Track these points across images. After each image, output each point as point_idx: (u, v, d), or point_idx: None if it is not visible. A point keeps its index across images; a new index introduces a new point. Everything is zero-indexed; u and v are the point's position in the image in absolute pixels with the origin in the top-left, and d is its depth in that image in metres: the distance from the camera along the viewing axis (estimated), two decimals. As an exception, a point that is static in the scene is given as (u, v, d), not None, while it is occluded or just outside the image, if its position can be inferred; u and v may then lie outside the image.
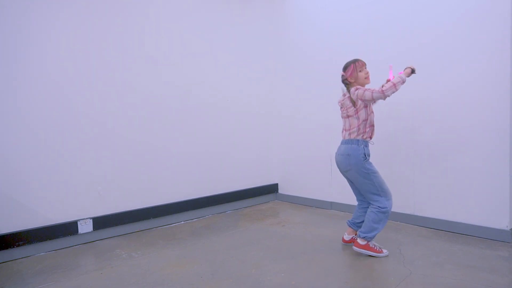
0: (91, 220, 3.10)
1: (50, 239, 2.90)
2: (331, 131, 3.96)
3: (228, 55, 4.14)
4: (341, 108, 2.80)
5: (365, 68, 2.74)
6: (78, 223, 3.03)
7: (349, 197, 3.85)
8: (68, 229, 2.98)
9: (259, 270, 2.45)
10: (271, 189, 4.55)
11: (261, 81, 4.49)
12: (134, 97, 3.40)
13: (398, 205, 3.47)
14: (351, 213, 3.81)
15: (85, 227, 3.07)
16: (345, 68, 2.76)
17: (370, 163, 2.68)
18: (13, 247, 2.74)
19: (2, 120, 2.72)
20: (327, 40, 3.98)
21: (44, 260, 2.73)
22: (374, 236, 2.65)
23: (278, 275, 2.37)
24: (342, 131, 2.80)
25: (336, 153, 2.83)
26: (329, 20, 3.94)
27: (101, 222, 3.15)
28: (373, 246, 2.67)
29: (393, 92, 2.53)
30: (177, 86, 3.70)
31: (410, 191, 3.38)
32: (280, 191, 4.60)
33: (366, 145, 2.70)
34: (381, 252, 2.66)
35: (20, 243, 2.76)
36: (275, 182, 4.63)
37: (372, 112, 2.73)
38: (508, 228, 2.84)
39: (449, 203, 3.13)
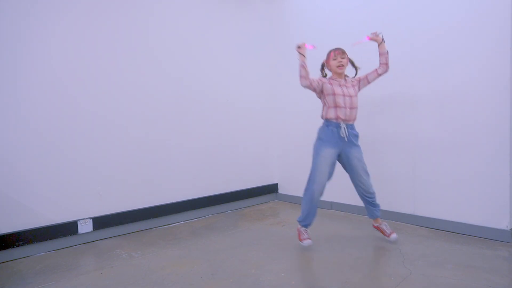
0: (91, 220, 3.10)
1: (50, 239, 2.90)
2: (331, 131, 3.96)
3: (228, 54, 4.14)
4: None
5: (340, 56, 2.84)
6: (78, 223, 3.03)
7: (349, 197, 3.85)
8: (68, 229, 2.98)
9: (259, 270, 2.45)
10: (271, 189, 4.55)
11: (261, 81, 4.49)
12: (133, 98, 3.39)
13: (398, 205, 3.47)
14: (351, 213, 3.81)
15: (85, 227, 3.07)
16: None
17: (322, 144, 2.81)
18: (13, 247, 2.74)
19: (2, 119, 2.72)
20: (326, 40, 3.96)
21: (44, 260, 2.73)
22: (302, 220, 2.85)
23: (278, 275, 2.37)
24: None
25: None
26: (329, 20, 3.94)
27: (101, 222, 3.15)
28: (300, 232, 2.85)
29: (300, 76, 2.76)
30: (177, 86, 3.70)
31: (410, 191, 3.38)
32: (280, 191, 4.60)
33: (328, 125, 2.83)
34: (302, 240, 2.80)
35: (20, 243, 2.76)
36: (275, 182, 4.63)
37: (333, 94, 2.82)
38: (508, 228, 2.84)
39: (449, 203, 3.13)
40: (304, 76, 2.75)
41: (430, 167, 3.23)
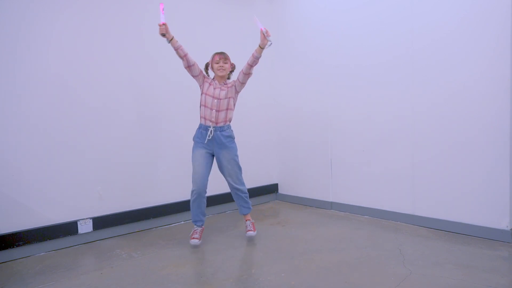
0: (91, 220, 3.10)
1: (50, 239, 2.90)
2: (331, 130, 3.96)
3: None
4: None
5: (222, 61, 2.98)
6: (78, 223, 3.03)
7: (349, 197, 3.86)
8: (68, 229, 2.98)
9: (259, 270, 2.46)
10: (271, 189, 4.55)
11: (260, 80, 4.49)
12: (134, 97, 3.40)
13: (398, 205, 3.47)
14: (351, 213, 3.81)
15: (85, 227, 3.07)
16: None
17: (195, 145, 3.01)
18: (13, 247, 2.74)
19: (2, 119, 2.73)
20: (326, 41, 3.97)
21: (44, 260, 2.73)
22: (192, 219, 3.01)
23: (278, 275, 2.37)
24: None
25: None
26: (328, 20, 3.94)
27: (101, 222, 3.15)
28: (192, 232, 2.98)
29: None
30: (176, 85, 3.69)
31: (410, 191, 3.38)
32: (280, 191, 4.60)
33: (199, 127, 3.01)
34: (190, 238, 2.93)
35: (20, 243, 2.76)
36: (275, 182, 4.62)
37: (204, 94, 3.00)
38: (508, 228, 2.84)
39: (449, 203, 3.13)
40: (180, 57, 2.84)
41: (430, 167, 3.23)
